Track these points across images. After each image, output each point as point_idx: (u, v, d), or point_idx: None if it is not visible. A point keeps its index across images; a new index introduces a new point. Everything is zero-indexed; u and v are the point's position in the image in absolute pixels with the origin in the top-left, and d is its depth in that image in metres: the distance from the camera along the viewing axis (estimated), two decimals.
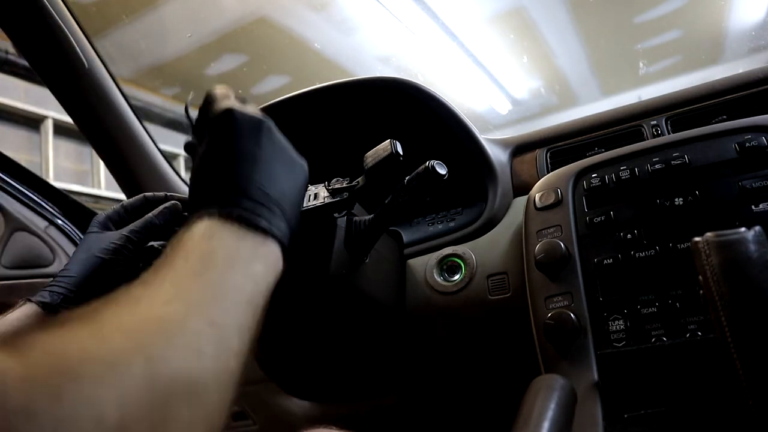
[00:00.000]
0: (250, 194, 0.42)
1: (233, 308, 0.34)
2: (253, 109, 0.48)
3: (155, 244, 0.61)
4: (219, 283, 0.34)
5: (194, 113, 0.53)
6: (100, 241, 0.56)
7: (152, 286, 0.32)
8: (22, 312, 0.50)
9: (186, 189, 1.19)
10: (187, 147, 0.52)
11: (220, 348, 0.31)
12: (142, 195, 0.63)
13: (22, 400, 0.20)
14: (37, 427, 0.20)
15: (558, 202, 0.69)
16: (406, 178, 0.62)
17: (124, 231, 0.58)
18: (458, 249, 0.80)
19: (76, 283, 0.53)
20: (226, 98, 0.48)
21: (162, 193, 0.63)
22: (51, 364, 0.22)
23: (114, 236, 0.57)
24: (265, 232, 0.40)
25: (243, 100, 0.49)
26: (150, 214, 0.59)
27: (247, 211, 0.40)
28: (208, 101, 0.49)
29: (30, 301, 0.52)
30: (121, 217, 0.61)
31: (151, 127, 1.20)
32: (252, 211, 0.41)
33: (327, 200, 0.62)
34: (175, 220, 0.60)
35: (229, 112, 0.45)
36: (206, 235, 0.38)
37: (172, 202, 0.61)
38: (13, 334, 0.23)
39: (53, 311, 0.51)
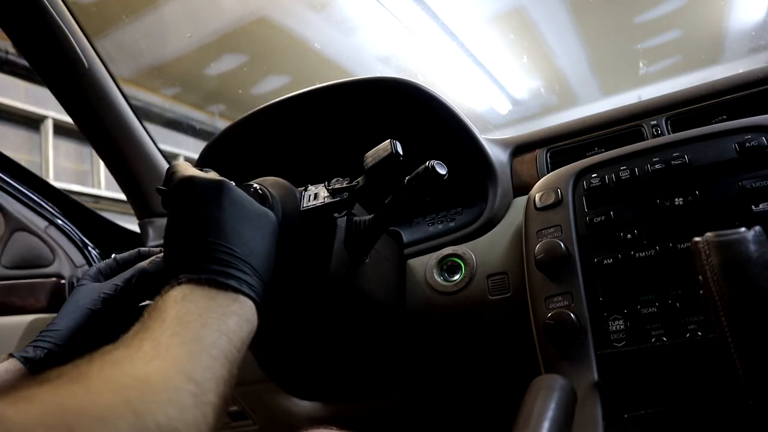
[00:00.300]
0: (217, 257, 0.44)
1: (210, 363, 0.36)
2: (212, 175, 0.51)
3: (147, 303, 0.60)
4: (195, 340, 0.37)
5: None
6: (90, 293, 0.56)
7: (132, 348, 0.34)
8: (4, 367, 0.50)
9: None
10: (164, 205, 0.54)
11: (198, 401, 0.33)
12: (135, 250, 0.63)
13: None
14: None
15: (558, 202, 0.69)
16: (406, 178, 0.62)
17: (116, 280, 0.57)
18: (458, 249, 0.80)
19: (63, 338, 0.53)
20: (186, 169, 0.51)
21: (157, 248, 0.63)
22: (49, 419, 0.24)
23: (105, 286, 0.56)
24: (236, 290, 0.43)
25: (201, 169, 0.52)
26: (142, 263, 0.59)
27: (216, 273, 0.43)
28: (170, 173, 0.51)
29: (12, 356, 0.51)
30: (113, 270, 0.60)
31: (151, 127, 1.20)
32: (221, 272, 0.43)
33: (327, 200, 0.62)
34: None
35: (188, 180, 0.48)
36: (179, 299, 0.40)
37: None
38: (5, 388, 0.24)
39: (36, 367, 0.50)
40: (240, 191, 0.51)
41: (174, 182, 0.49)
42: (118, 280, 0.57)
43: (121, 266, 0.61)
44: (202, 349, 0.36)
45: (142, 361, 0.33)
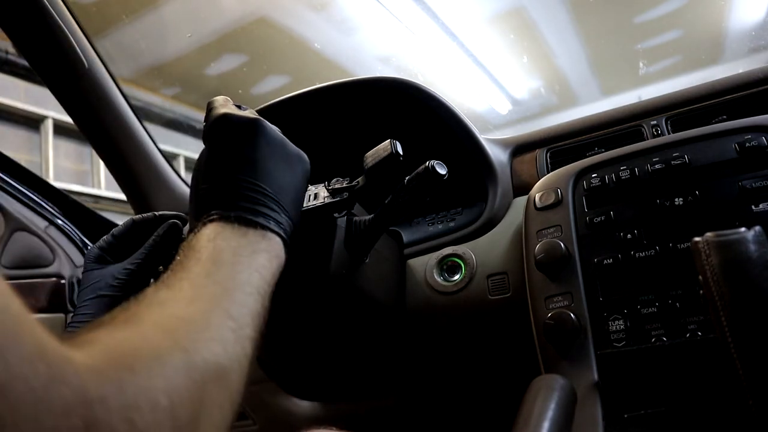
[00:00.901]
0: (247, 195, 0.46)
1: (245, 299, 0.38)
2: (248, 112, 0.51)
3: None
4: (229, 278, 0.39)
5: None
6: (105, 278, 0.57)
7: (174, 289, 0.37)
8: None
9: (186, 189, 1.19)
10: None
11: (238, 336, 0.36)
12: (129, 219, 0.63)
13: (95, 390, 0.23)
14: (109, 414, 0.23)
15: (558, 202, 0.69)
16: (406, 178, 0.62)
17: (127, 264, 0.58)
18: (458, 249, 0.80)
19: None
20: (223, 105, 0.51)
21: (149, 214, 0.63)
22: (111, 359, 0.26)
23: (116, 270, 0.57)
24: (264, 227, 0.45)
25: (239, 106, 0.53)
26: (151, 240, 0.59)
27: (245, 211, 0.45)
28: (208, 109, 0.52)
29: None
30: (113, 246, 0.60)
31: (151, 127, 1.20)
32: (250, 210, 0.45)
33: (327, 200, 0.62)
34: (176, 238, 0.60)
35: (223, 117, 0.49)
36: (212, 237, 0.42)
37: (171, 221, 0.61)
38: (67, 335, 0.26)
39: None
40: (275, 130, 0.52)
41: (210, 119, 0.50)
42: (129, 263, 0.58)
43: (120, 239, 0.61)
44: (237, 287, 0.39)
45: (184, 302, 0.35)
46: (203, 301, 0.36)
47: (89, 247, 0.61)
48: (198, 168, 0.51)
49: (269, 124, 0.52)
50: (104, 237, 0.61)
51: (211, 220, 0.44)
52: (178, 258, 0.41)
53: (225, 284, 0.38)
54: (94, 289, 0.56)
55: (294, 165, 0.52)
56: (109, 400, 0.23)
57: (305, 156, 0.55)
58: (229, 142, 0.48)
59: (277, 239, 0.46)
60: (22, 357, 0.21)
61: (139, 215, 0.63)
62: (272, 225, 0.46)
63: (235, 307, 0.37)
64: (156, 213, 0.63)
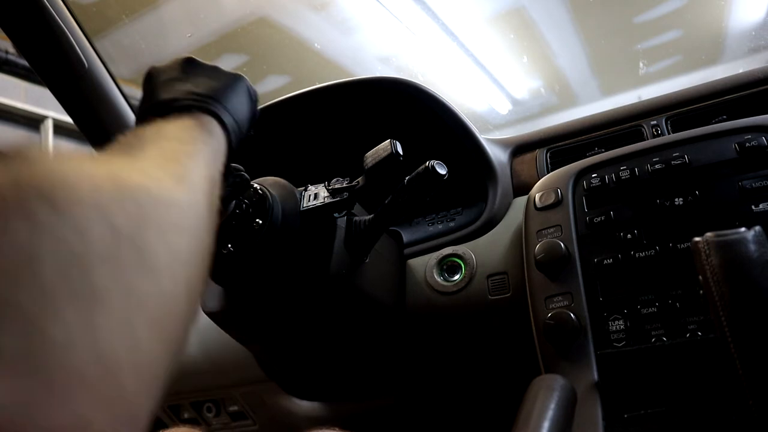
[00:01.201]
0: (181, 97, 0.48)
1: (183, 161, 0.36)
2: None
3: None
4: (169, 152, 0.37)
5: None
6: None
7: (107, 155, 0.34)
8: None
9: None
10: None
11: (182, 182, 0.32)
12: None
13: (9, 192, 0.20)
14: (19, 204, 0.20)
15: (558, 202, 0.69)
16: (406, 178, 0.62)
17: None
18: (458, 249, 0.80)
19: None
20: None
21: None
22: (29, 172, 0.22)
23: None
24: (192, 108, 0.46)
25: None
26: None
27: (174, 105, 0.47)
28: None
29: None
30: None
31: None
32: (177, 105, 0.47)
33: (327, 200, 0.62)
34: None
35: (157, 67, 0.55)
36: (150, 127, 0.42)
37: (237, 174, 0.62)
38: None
39: None
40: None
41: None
42: None
43: None
44: (181, 153, 0.38)
45: (114, 158, 0.32)
46: (138, 158, 0.33)
47: None
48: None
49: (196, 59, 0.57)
50: None
51: (149, 120, 0.44)
52: (117, 146, 0.37)
53: (161, 150, 0.36)
54: None
55: (220, 75, 0.55)
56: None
57: (243, 76, 0.57)
58: (161, 71, 0.54)
59: (214, 120, 0.47)
60: None
61: None
62: (204, 106, 0.47)
63: (171, 162, 0.34)
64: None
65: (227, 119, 0.49)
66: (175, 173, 0.32)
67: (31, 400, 0.17)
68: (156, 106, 0.48)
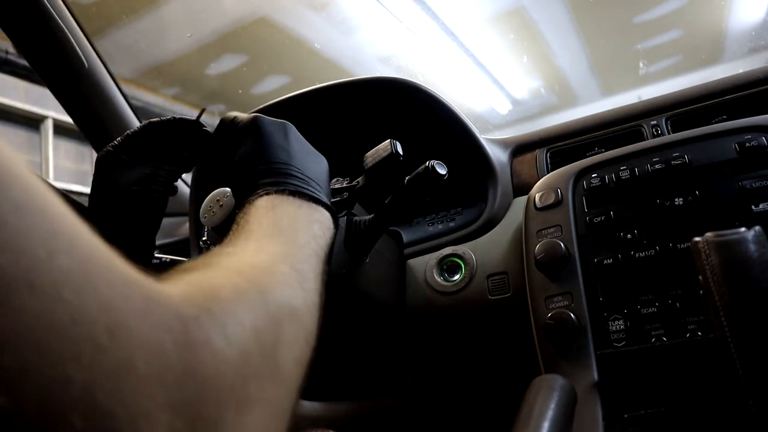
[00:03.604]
0: (294, 174, 0.50)
1: (306, 258, 0.41)
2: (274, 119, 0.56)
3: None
4: (291, 240, 0.42)
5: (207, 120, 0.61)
6: (124, 178, 0.57)
7: (239, 246, 0.39)
8: None
9: (185, 188, 1.19)
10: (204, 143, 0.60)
11: (304, 286, 0.38)
12: (146, 121, 0.62)
13: (189, 311, 0.25)
14: (205, 331, 0.25)
15: (558, 202, 0.69)
16: (406, 178, 0.62)
17: (153, 165, 0.58)
18: (458, 249, 0.80)
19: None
20: (247, 114, 0.57)
21: (169, 116, 0.62)
22: (197, 291, 0.27)
23: (140, 171, 0.58)
24: (315, 200, 0.48)
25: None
26: (183, 147, 0.60)
27: (296, 186, 0.49)
28: (231, 118, 0.58)
29: None
30: (128, 148, 0.60)
31: None
32: (300, 186, 0.49)
33: None
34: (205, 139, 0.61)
35: (258, 118, 0.54)
36: (270, 207, 0.45)
37: (203, 128, 0.61)
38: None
39: None
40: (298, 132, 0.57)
41: (243, 121, 0.55)
42: (155, 164, 0.59)
43: (135, 141, 0.60)
44: (298, 247, 0.41)
45: (250, 254, 0.37)
46: (269, 254, 0.38)
47: (102, 150, 0.59)
48: (241, 157, 0.53)
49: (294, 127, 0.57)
50: (118, 138, 0.60)
51: (267, 193, 0.46)
52: (236, 226, 0.43)
53: (287, 244, 0.40)
54: (117, 190, 0.56)
55: (320, 161, 0.56)
56: (202, 320, 0.25)
57: (324, 158, 0.58)
58: (269, 137, 0.53)
59: (326, 212, 0.49)
60: (116, 284, 0.22)
61: (157, 118, 0.62)
62: (322, 197, 0.49)
63: (299, 262, 0.39)
64: (174, 116, 0.62)
65: (336, 213, 0.51)
66: (301, 279, 0.38)
67: None
68: (271, 182, 0.48)
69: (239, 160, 0.53)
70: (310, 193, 0.49)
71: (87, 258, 0.21)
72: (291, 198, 0.47)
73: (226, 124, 0.58)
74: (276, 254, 0.38)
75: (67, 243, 0.20)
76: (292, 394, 0.32)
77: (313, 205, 0.48)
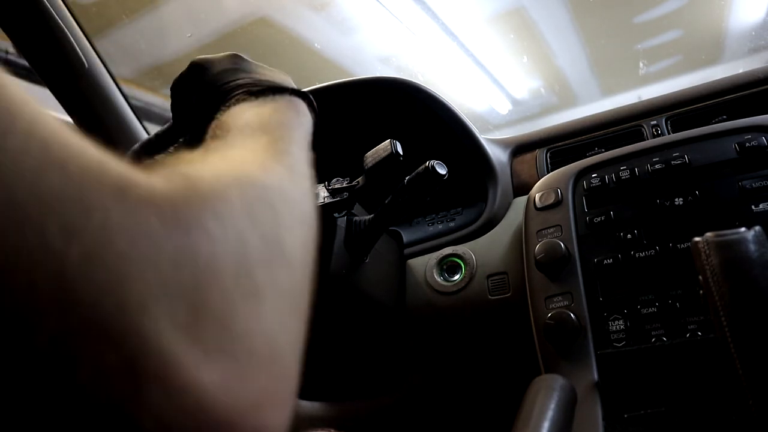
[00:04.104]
0: (263, 79, 0.50)
1: (292, 143, 0.39)
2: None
3: None
4: (272, 131, 0.40)
5: None
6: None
7: (218, 144, 0.37)
8: None
9: None
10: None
11: (294, 169, 0.36)
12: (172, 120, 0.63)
13: (178, 192, 0.23)
14: (195, 212, 0.23)
15: (558, 202, 0.69)
16: (406, 178, 0.62)
17: None
18: (458, 249, 0.80)
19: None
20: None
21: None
22: (181, 178, 0.25)
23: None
24: (281, 89, 0.48)
25: None
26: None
27: (259, 85, 0.48)
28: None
29: None
30: (154, 146, 0.61)
31: (151, 127, 1.20)
32: (263, 83, 0.49)
33: (327, 200, 0.62)
34: None
35: (195, 59, 0.57)
36: (241, 111, 0.44)
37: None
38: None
39: None
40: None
41: (193, 64, 0.56)
42: None
43: (162, 140, 0.61)
44: (281, 137, 0.39)
45: (231, 148, 0.36)
46: (252, 146, 0.36)
47: (132, 148, 0.61)
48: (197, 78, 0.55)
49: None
50: (146, 137, 0.63)
51: (236, 101, 0.46)
52: (210, 133, 0.41)
53: (270, 134, 0.39)
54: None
55: (275, 72, 0.57)
56: (191, 199, 0.24)
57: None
58: (226, 60, 0.55)
59: (298, 98, 0.48)
60: (89, 167, 0.21)
61: (157, 117, 0.64)
62: (290, 85, 0.49)
63: (284, 151, 0.37)
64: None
65: (311, 98, 0.51)
66: (289, 165, 0.35)
67: (230, 382, 0.21)
68: (243, 87, 0.49)
69: (196, 97, 0.54)
70: (276, 85, 0.48)
71: (48, 139, 0.19)
72: (258, 99, 0.46)
73: (175, 84, 0.59)
74: (260, 144, 0.37)
75: (27, 125, 0.19)
76: (306, 280, 0.30)
77: (286, 97, 0.47)
